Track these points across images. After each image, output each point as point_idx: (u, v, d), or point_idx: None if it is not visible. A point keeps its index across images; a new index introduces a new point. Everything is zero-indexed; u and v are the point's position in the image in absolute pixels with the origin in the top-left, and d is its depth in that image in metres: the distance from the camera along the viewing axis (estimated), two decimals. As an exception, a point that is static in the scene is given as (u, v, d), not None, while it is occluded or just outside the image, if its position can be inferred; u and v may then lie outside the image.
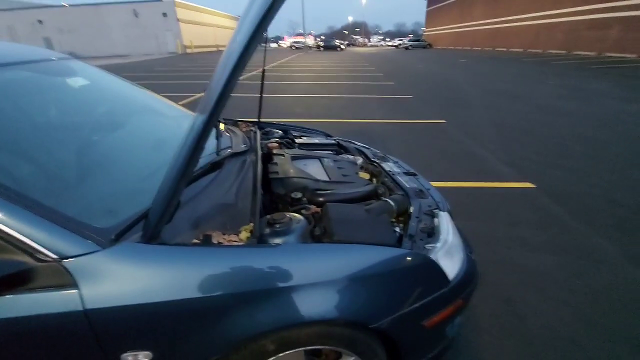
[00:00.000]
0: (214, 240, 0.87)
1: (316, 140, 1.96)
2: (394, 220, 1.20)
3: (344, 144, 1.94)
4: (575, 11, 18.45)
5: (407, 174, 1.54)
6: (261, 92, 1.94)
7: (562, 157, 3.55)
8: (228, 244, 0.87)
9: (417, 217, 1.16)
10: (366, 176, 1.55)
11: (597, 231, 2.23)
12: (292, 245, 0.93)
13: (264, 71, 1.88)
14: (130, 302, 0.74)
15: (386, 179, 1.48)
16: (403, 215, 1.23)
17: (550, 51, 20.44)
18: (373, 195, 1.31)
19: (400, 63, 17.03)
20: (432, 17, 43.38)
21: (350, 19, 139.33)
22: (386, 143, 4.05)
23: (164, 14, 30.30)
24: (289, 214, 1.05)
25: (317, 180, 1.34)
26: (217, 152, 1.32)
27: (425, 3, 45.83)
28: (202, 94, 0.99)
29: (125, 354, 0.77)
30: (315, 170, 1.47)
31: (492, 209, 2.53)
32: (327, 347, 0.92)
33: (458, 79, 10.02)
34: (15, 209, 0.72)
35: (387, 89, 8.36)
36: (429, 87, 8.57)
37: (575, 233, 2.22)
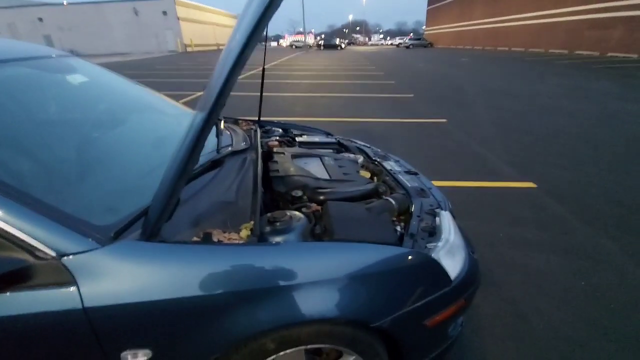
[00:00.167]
0: (214, 238, 0.86)
1: (317, 139, 1.96)
2: (395, 219, 1.20)
3: (345, 142, 1.93)
4: (577, 10, 18.39)
5: (409, 172, 1.53)
6: (261, 91, 1.93)
7: (563, 157, 3.54)
8: (228, 242, 0.87)
9: (418, 216, 1.15)
10: (367, 175, 1.54)
11: (599, 231, 2.22)
12: (292, 244, 0.93)
13: (264, 70, 1.88)
14: (130, 300, 0.74)
15: (387, 177, 1.47)
16: (404, 214, 1.22)
17: (552, 51, 20.39)
18: (374, 193, 1.30)
19: (400, 62, 17.00)
20: (433, 16, 43.26)
21: (351, 17, 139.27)
22: (387, 142, 4.04)
23: (164, 13, 30.27)
24: (289, 212, 1.04)
25: (318, 179, 1.34)
26: (218, 150, 1.32)
27: (426, 2, 45.74)
28: (202, 92, 0.99)
29: (124, 352, 0.77)
30: (315, 168, 1.47)
31: (493, 208, 2.53)
32: (327, 346, 0.91)
33: (459, 78, 10.00)
34: (14, 206, 0.72)
35: (387, 88, 8.34)
36: (429, 86, 8.55)
37: (576, 233, 2.21)
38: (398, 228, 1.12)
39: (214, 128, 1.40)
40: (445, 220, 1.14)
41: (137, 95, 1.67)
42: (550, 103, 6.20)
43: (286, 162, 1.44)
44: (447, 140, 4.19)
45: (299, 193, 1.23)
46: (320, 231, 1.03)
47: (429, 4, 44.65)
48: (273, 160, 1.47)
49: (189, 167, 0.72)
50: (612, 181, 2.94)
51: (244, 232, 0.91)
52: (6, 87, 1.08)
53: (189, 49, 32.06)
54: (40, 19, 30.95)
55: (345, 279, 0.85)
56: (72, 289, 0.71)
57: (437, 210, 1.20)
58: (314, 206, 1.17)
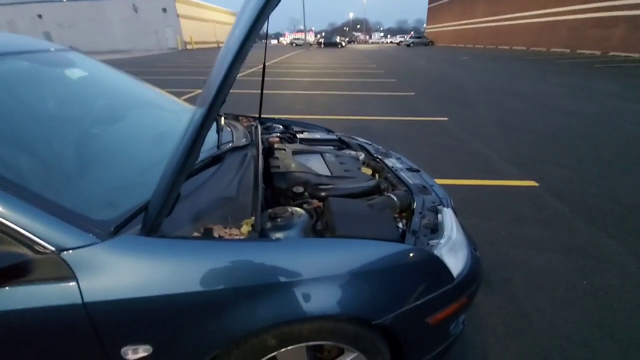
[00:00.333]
0: (215, 234, 0.86)
1: (318, 136, 1.95)
2: (396, 215, 1.19)
3: (346, 139, 1.92)
4: (579, 9, 18.32)
5: (410, 170, 1.53)
6: (262, 88, 1.92)
7: (565, 155, 3.53)
8: (229, 237, 0.86)
9: (420, 213, 1.14)
10: (368, 172, 1.53)
11: (601, 230, 2.21)
12: (293, 240, 0.92)
13: (264, 67, 1.87)
14: (130, 295, 0.73)
15: (389, 174, 1.47)
16: (406, 211, 1.21)
17: (554, 50, 20.34)
18: (375, 190, 1.29)
19: (401, 60, 16.95)
20: (434, 14, 43.12)
21: (352, 15, 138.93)
22: (388, 140, 4.03)
23: (164, 10, 30.17)
24: (290, 208, 1.04)
25: (319, 175, 1.33)
26: (218, 146, 1.31)
27: (427, 0, 45.57)
28: (202, 89, 0.98)
29: (125, 348, 0.76)
30: (317, 165, 1.46)
31: (495, 207, 2.52)
32: (329, 343, 0.90)
33: (460, 77, 9.97)
34: (14, 200, 0.71)
35: (388, 86, 8.32)
36: (430, 85, 8.52)
37: (579, 231, 2.20)
38: (400, 225, 1.11)
39: (215, 124, 1.39)
40: (448, 217, 1.13)
41: (137, 91, 1.66)
42: (551, 102, 6.18)
43: (287, 159, 1.43)
44: (448, 138, 4.18)
45: (300, 189, 1.22)
46: (321, 227, 1.03)
47: (430, 2, 44.51)
48: (274, 156, 1.46)
49: (189, 162, 0.72)
50: (614, 180, 2.93)
51: (245, 228, 0.90)
52: (4, 81, 1.07)
53: (188, 47, 31.98)
54: (40, 16, 30.85)
55: (346, 276, 0.84)
56: (72, 283, 0.71)
57: (439, 207, 1.20)
58: (315, 202, 1.17)
